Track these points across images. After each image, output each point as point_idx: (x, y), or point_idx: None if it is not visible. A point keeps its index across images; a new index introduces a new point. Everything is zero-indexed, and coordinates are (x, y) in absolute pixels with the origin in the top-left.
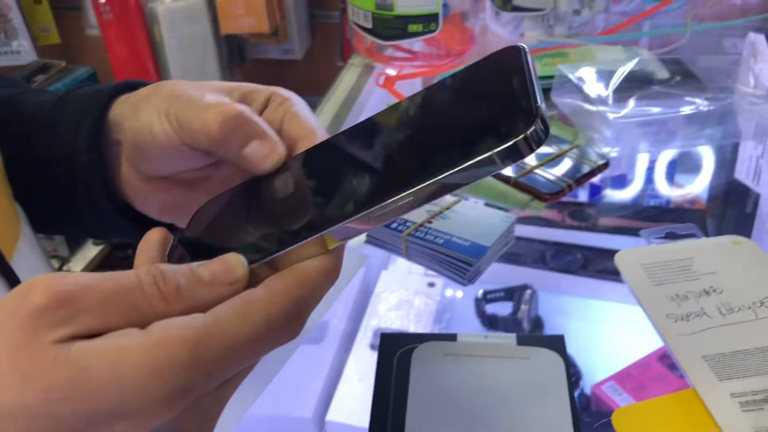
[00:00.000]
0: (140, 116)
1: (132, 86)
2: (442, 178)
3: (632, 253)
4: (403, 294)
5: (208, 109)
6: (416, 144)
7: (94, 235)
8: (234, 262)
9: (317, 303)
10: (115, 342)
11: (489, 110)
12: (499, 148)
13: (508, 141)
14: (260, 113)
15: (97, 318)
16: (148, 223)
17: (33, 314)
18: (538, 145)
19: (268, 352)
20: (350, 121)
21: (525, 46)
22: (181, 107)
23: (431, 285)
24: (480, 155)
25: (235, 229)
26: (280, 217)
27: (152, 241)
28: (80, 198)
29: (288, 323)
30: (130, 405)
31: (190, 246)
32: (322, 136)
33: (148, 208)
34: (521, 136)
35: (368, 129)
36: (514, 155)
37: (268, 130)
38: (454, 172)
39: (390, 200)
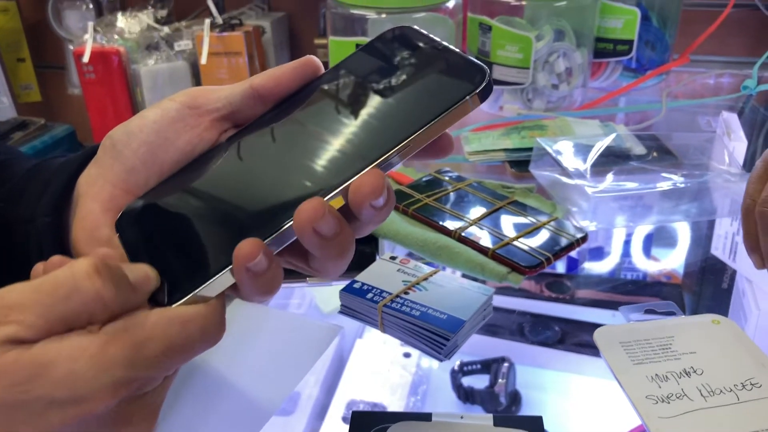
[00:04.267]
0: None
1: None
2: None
3: (611, 330)
4: (377, 364)
5: None
6: (386, 104)
7: None
8: (152, 275)
9: None
10: (72, 341)
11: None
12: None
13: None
14: None
15: (41, 330)
16: None
17: None
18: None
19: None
20: None
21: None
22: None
23: (407, 356)
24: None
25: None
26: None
27: None
28: (33, 263)
29: (217, 332)
30: (81, 392)
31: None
32: None
33: None
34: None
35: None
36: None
37: None
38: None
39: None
